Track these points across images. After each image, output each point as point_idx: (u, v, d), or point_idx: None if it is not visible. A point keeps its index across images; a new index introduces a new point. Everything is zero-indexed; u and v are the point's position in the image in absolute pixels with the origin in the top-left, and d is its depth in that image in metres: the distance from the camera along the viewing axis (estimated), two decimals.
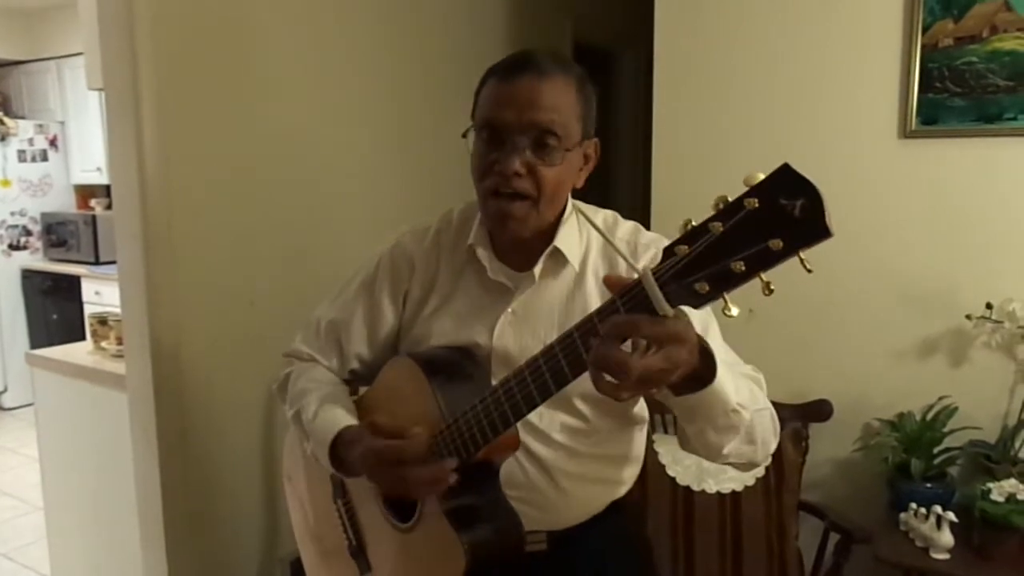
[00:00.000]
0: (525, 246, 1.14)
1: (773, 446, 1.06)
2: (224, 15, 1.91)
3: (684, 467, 1.95)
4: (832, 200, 2.05)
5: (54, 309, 4.96)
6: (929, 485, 1.89)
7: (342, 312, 1.28)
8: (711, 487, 1.94)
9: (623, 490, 1.24)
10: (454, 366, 1.11)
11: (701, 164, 2.22)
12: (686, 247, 0.73)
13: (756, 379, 1.09)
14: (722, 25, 2.18)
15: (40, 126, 5.18)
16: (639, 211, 2.28)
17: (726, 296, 0.72)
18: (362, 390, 1.29)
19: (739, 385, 0.95)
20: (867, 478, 2.06)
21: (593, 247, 1.17)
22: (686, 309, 0.94)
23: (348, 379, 1.29)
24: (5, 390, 5.05)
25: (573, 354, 0.85)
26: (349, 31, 2.26)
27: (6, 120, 4.98)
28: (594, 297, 1.13)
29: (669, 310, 0.75)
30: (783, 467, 1.96)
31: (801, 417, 2.04)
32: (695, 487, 1.94)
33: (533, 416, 1.09)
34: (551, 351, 0.88)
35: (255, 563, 2.09)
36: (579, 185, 1.15)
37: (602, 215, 1.20)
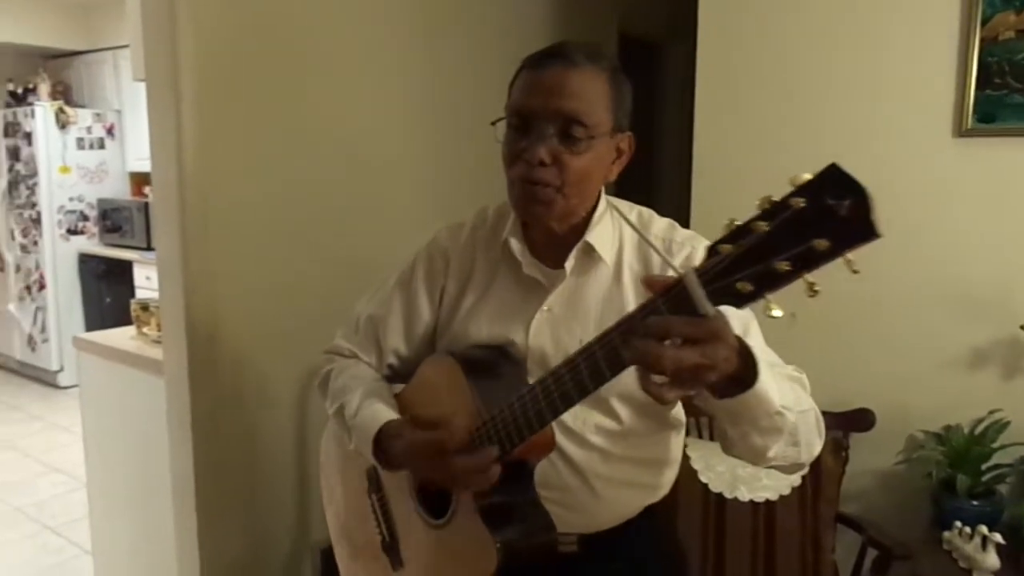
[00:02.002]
0: (559, 242, 1.13)
1: (818, 447, 1.04)
2: (264, 8, 1.92)
3: (716, 473, 1.90)
4: (882, 200, 1.97)
5: (108, 293, 5.10)
6: (975, 503, 1.81)
7: (380, 308, 1.29)
8: (744, 495, 1.89)
9: (658, 495, 1.22)
10: (491, 364, 1.12)
11: (744, 161, 2.16)
12: (730, 246, 0.72)
13: (799, 379, 1.07)
14: (769, 16, 2.11)
15: (98, 115, 5.33)
16: (683, 209, 2.23)
17: (769, 297, 0.71)
18: (398, 387, 1.29)
19: (782, 386, 0.93)
20: (909, 492, 1.98)
21: (627, 244, 1.15)
22: (727, 309, 0.96)
23: (387, 375, 1.30)
24: (61, 369, 5.21)
25: (612, 353, 0.84)
26: (391, 25, 2.26)
27: (66, 109, 5.13)
28: (631, 295, 1.12)
29: (711, 309, 0.74)
30: (821, 477, 1.90)
31: (842, 426, 1.97)
32: (727, 494, 1.89)
33: (567, 416, 1.09)
34: (590, 350, 0.87)
35: (286, 549, 2.11)
36: (611, 179, 1.13)
37: (636, 211, 1.19)
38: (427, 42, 2.38)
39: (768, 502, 1.89)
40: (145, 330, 2.41)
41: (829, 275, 2.20)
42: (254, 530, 2.04)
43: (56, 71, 5.63)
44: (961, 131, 1.90)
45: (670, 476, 1.23)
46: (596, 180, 1.10)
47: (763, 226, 0.69)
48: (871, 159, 2.00)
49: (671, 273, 0.79)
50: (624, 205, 1.19)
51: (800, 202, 0.67)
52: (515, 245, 1.16)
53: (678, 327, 0.76)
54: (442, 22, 2.42)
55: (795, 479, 1.90)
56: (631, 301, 1.11)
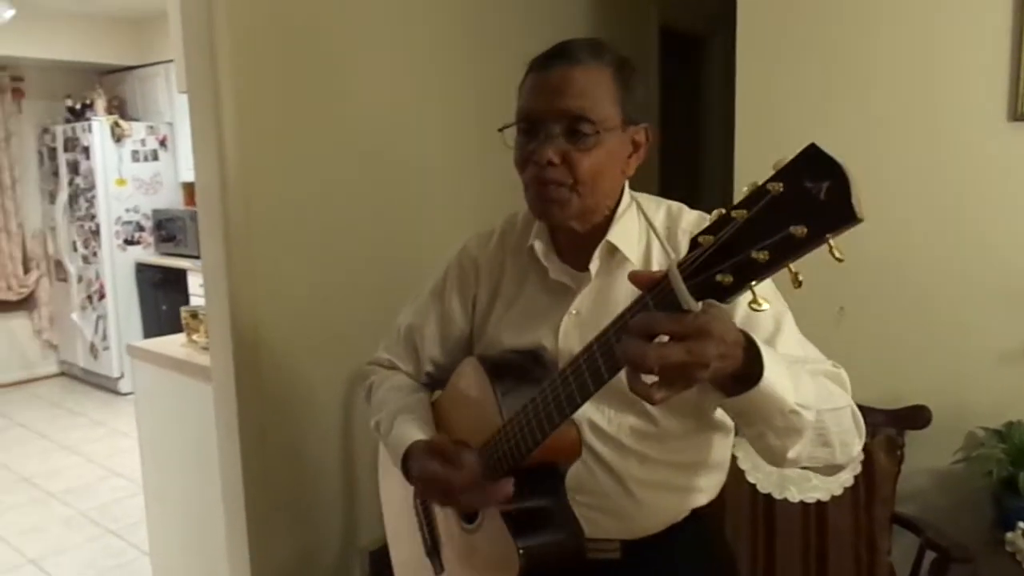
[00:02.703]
0: (583, 243, 1.12)
1: (856, 447, 0.99)
2: (301, 17, 1.95)
3: (765, 473, 1.85)
4: (936, 188, 1.92)
5: (164, 300, 5.24)
6: None
7: (416, 318, 1.31)
8: (794, 495, 1.84)
9: (703, 499, 1.19)
10: (520, 370, 1.11)
11: (788, 153, 2.11)
12: (711, 237, 0.69)
13: (834, 375, 1.02)
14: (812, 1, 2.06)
15: (151, 127, 5.48)
16: (727, 202, 2.18)
17: (754, 288, 0.68)
18: (439, 393, 1.31)
19: (803, 383, 0.88)
20: (969, 492, 1.90)
21: (655, 241, 1.13)
22: (769, 304, 0.94)
23: (426, 382, 1.32)
24: (121, 376, 5.37)
25: (609, 353, 0.82)
26: (428, 28, 2.26)
27: (121, 123, 5.29)
28: None
29: (694, 304, 0.71)
30: (875, 477, 1.84)
31: (896, 423, 1.91)
32: (777, 495, 1.85)
33: (601, 419, 1.09)
34: (590, 350, 0.85)
35: (335, 553, 2.14)
36: (629, 173, 1.12)
37: (666, 206, 1.17)
38: (464, 43, 2.38)
39: (819, 503, 1.83)
40: (195, 337, 2.46)
41: (879, 267, 2.16)
42: (303, 534, 2.06)
43: (111, 86, 5.81)
44: (1016, 115, 1.82)
45: (716, 480, 1.19)
46: (611, 176, 1.08)
47: (743, 214, 0.66)
48: (923, 147, 1.93)
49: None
50: (652, 200, 1.16)
51: (778, 187, 0.63)
52: (539, 248, 1.15)
53: (661, 324, 0.73)
54: (479, 23, 2.42)
55: (847, 479, 1.84)
56: None
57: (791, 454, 0.90)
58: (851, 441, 0.97)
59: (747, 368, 0.80)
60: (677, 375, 0.74)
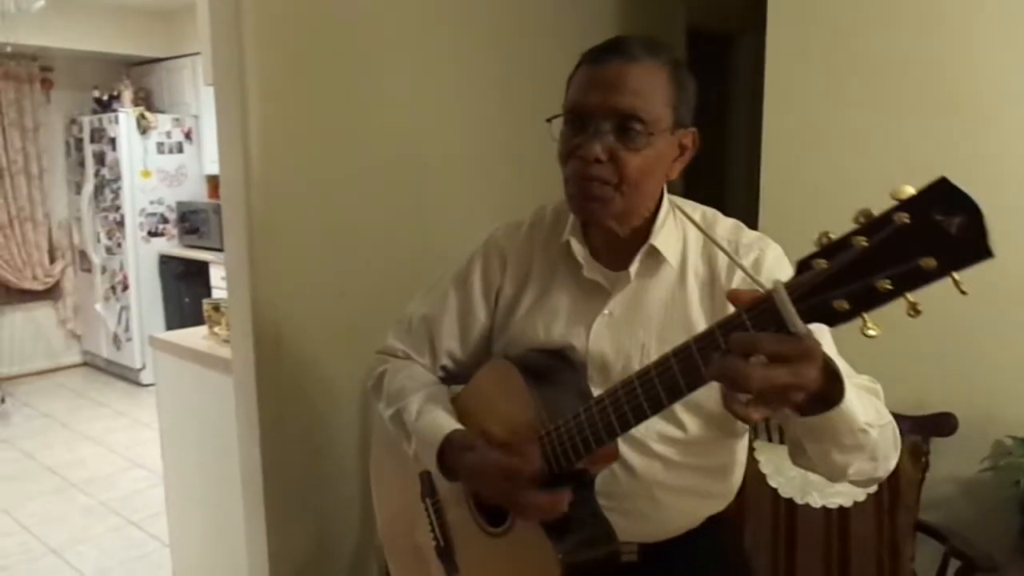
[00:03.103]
0: (620, 244, 1.10)
1: (894, 461, 0.99)
2: (328, 15, 1.95)
3: (787, 478, 1.83)
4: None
5: (187, 292, 5.28)
6: None
7: (434, 308, 1.27)
8: (816, 501, 1.82)
9: (722, 504, 1.18)
10: (551, 370, 1.09)
11: (815, 160, 2.08)
12: (824, 262, 0.68)
13: (875, 391, 1.02)
14: (844, 2, 2.02)
15: (176, 120, 5.52)
16: (752, 206, 2.16)
17: (866, 316, 0.68)
18: (455, 390, 1.27)
19: (864, 401, 0.89)
20: (995, 501, 1.87)
21: (692, 246, 1.11)
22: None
23: (441, 376, 1.28)
24: (144, 367, 5.42)
25: (690, 367, 0.81)
26: (454, 23, 2.25)
27: (147, 115, 5.33)
28: (695, 298, 1.08)
29: (803, 328, 0.71)
30: (899, 483, 1.81)
31: (921, 430, 1.88)
32: (799, 500, 1.82)
33: None
34: (666, 363, 0.83)
35: (352, 546, 2.14)
36: (672, 177, 1.10)
37: (700, 212, 1.15)
38: (490, 40, 2.37)
39: (842, 508, 1.81)
40: (216, 330, 2.47)
41: None
42: (320, 527, 2.07)
43: (138, 78, 5.87)
44: None
45: (733, 485, 1.19)
46: (656, 178, 1.06)
47: (862, 241, 0.66)
48: (953, 148, 1.90)
49: (740, 277, 0.76)
50: (688, 205, 1.15)
51: (904, 217, 0.64)
52: (576, 247, 1.13)
53: (768, 344, 0.72)
54: (505, 20, 2.40)
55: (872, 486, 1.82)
56: (695, 305, 1.07)
57: (852, 470, 0.92)
58: (891, 455, 0.98)
59: (828, 388, 0.80)
60: (777, 396, 0.74)
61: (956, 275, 0.63)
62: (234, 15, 1.82)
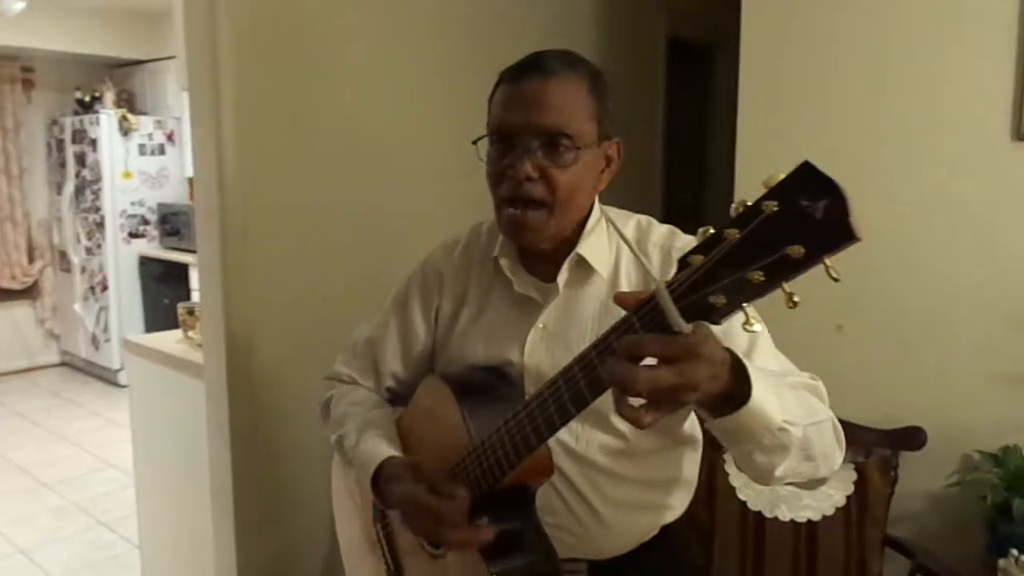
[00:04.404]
0: (550, 256, 1.09)
1: (838, 459, 0.97)
2: (303, 21, 1.95)
3: (756, 491, 1.84)
4: (938, 206, 1.89)
5: (167, 294, 5.24)
6: None
7: (376, 330, 1.27)
8: (785, 514, 1.82)
9: (671, 516, 1.17)
10: (485, 386, 1.08)
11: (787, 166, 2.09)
12: (701, 257, 0.67)
13: (813, 387, 1.00)
14: (815, 20, 2.04)
15: (158, 122, 5.49)
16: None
17: (747, 309, 0.66)
18: (400, 410, 1.26)
19: (787, 399, 0.86)
20: (963, 516, 1.87)
21: (624, 255, 1.10)
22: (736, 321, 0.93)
23: (387, 398, 1.27)
24: (121, 368, 5.37)
25: (591, 374, 0.80)
26: (430, 31, 2.26)
27: (129, 116, 5.30)
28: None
29: (685, 326, 0.69)
30: (867, 497, 1.82)
31: (891, 444, 1.89)
32: (767, 513, 1.83)
33: (569, 437, 1.05)
34: (570, 372, 0.83)
35: (322, 554, 2.12)
36: (601, 188, 1.10)
37: (635, 220, 1.14)
38: (469, 49, 2.36)
39: (810, 522, 1.82)
40: (191, 334, 2.45)
41: (879, 284, 2.12)
42: (290, 534, 2.05)
43: (121, 80, 5.83)
44: (1020, 135, 1.80)
45: (684, 496, 1.17)
46: (585, 192, 1.06)
47: (735, 233, 0.64)
48: (925, 165, 1.92)
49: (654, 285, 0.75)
50: (621, 214, 1.14)
51: (772, 205, 0.62)
52: (504, 263, 1.13)
53: (651, 345, 0.71)
54: (484, 28, 2.40)
55: (839, 499, 1.82)
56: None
57: (778, 472, 0.88)
58: (833, 454, 0.96)
59: (734, 388, 0.79)
60: (666, 398, 0.72)
61: (828, 261, 0.61)
62: (208, 21, 1.81)
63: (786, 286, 0.64)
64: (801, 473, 0.92)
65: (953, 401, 1.90)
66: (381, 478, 1.09)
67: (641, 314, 0.73)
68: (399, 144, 2.19)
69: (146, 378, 2.51)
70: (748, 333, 1.00)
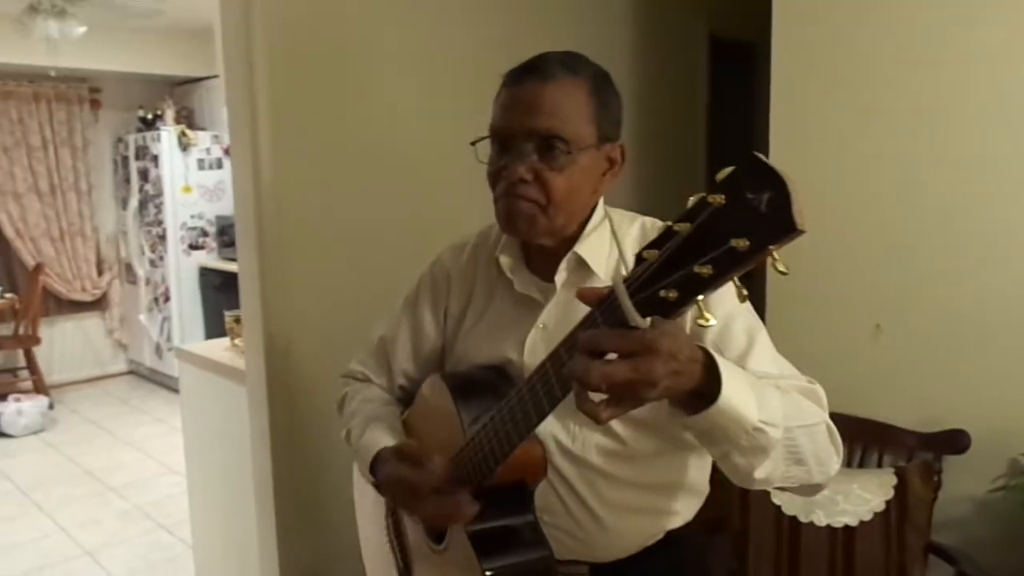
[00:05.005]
0: (551, 255, 1.10)
1: (834, 465, 0.95)
2: (335, 38, 2.00)
3: (790, 495, 1.80)
4: (979, 204, 1.83)
5: (226, 303, 5.38)
6: None
7: (389, 330, 1.30)
8: (821, 519, 1.78)
9: (676, 521, 1.15)
10: (483, 384, 1.09)
11: (822, 168, 2.05)
12: (655, 252, 0.67)
13: (809, 391, 0.98)
14: (848, 19, 1.99)
15: (216, 136, 5.67)
16: None
17: (701, 303, 0.66)
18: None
19: (769, 399, 0.84)
20: (1009, 522, 1.80)
21: (628, 255, 1.09)
22: (736, 316, 0.98)
23: (399, 396, 1.30)
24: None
25: (560, 371, 0.80)
26: (465, 36, 2.28)
27: (188, 132, 5.49)
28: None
29: (640, 321, 0.69)
30: (907, 503, 1.77)
31: (932, 447, 1.83)
32: (802, 518, 1.79)
33: (566, 438, 1.06)
34: (543, 368, 0.83)
35: (360, 559, 2.16)
36: (602, 191, 1.10)
37: (640, 223, 1.14)
38: (504, 51, 2.35)
39: (847, 528, 1.77)
40: (237, 341, 2.53)
41: (918, 284, 2.05)
42: (329, 539, 2.09)
43: (181, 97, 6.05)
44: None
45: (691, 502, 1.16)
46: (583, 195, 1.06)
47: (686, 227, 0.64)
48: (966, 164, 1.85)
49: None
50: (627, 216, 1.14)
51: (720, 199, 0.61)
52: (505, 261, 1.14)
53: (607, 340, 0.71)
54: (519, 30, 2.41)
55: (878, 504, 1.78)
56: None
57: (758, 474, 0.86)
58: (827, 458, 0.93)
59: (707, 386, 0.78)
60: (624, 393, 0.72)
61: (776, 254, 0.60)
62: (244, 38, 1.88)
63: (739, 279, 0.64)
64: (792, 477, 0.90)
65: (997, 403, 1.83)
66: (376, 467, 1.12)
67: (602, 310, 0.74)
68: (432, 152, 2.22)
69: (196, 385, 2.60)
70: (746, 335, 1.01)
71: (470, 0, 2.30)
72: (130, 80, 5.90)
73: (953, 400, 1.87)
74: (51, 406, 5.14)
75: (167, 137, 5.43)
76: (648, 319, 0.69)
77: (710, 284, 0.64)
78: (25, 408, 4.80)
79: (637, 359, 0.70)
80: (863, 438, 1.91)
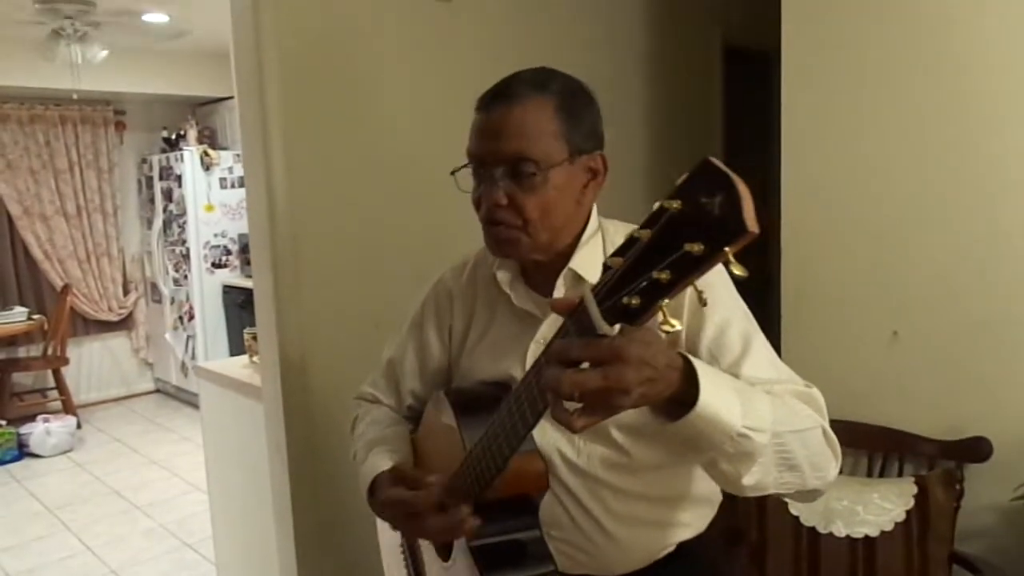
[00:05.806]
0: (547, 269, 1.10)
1: (832, 471, 0.94)
2: (346, 60, 2.02)
3: (809, 505, 1.78)
4: (995, 208, 1.81)
5: (249, 321, 5.43)
6: None
7: (397, 351, 1.32)
8: (840, 530, 1.76)
9: (687, 533, 1.13)
10: (491, 401, 1.08)
11: (834, 178, 2.03)
12: (620, 259, 0.67)
13: (806, 395, 0.97)
14: (856, 26, 1.98)
15: (237, 155, 5.74)
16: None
17: (664, 309, 0.66)
18: None
19: (756, 404, 0.83)
20: None
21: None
22: (732, 322, 0.99)
23: (407, 416, 1.31)
24: None
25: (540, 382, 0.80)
26: (476, 50, 2.28)
27: (210, 152, 5.58)
28: None
29: (607, 328, 0.69)
30: (929, 512, 1.74)
31: (954, 456, 1.80)
32: (822, 529, 1.77)
33: (571, 451, 1.06)
34: (527, 380, 0.84)
35: (379, 574, 2.16)
36: (586, 202, 1.09)
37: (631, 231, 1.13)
38: (517, 66, 2.35)
39: (868, 538, 1.75)
40: (255, 358, 2.55)
41: (935, 289, 2.04)
42: (348, 554, 2.10)
43: (204, 117, 6.14)
44: None
45: (701, 513, 1.15)
46: (563, 210, 1.05)
47: (647, 234, 0.65)
48: (983, 166, 1.83)
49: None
50: (621, 226, 1.13)
51: (675, 204, 0.62)
52: (502, 277, 1.15)
53: (575, 349, 0.71)
54: (533, 43, 2.41)
55: (898, 514, 1.75)
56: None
57: (747, 480, 0.85)
58: (824, 464, 0.92)
59: (686, 392, 0.77)
60: (597, 401, 0.72)
61: (731, 257, 0.60)
62: (256, 64, 1.91)
63: (697, 284, 0.64)
64: (786, 483, 0.89)
65: (1019, 409, 1.80)
66: (375, 491, 1.12)
67: (574, 319, 0.74)
68: (443, 169, 2.22)
69: (215, 402, 2.63)
70: (741, 340, 1.00)
71: (482, 17, 2.32)
72: (153, 101, 6.00)
73: (974, 407, 1.84)
74: (79, 425, 5.21)
75: (189, 157, 5.51)
76: (616, 326, 0.69)
77: (669, 289, 0.64)
78: (53, 428, 4.88)
79: (607, 367, 0.70)
80: (882, 447, 1.88)
